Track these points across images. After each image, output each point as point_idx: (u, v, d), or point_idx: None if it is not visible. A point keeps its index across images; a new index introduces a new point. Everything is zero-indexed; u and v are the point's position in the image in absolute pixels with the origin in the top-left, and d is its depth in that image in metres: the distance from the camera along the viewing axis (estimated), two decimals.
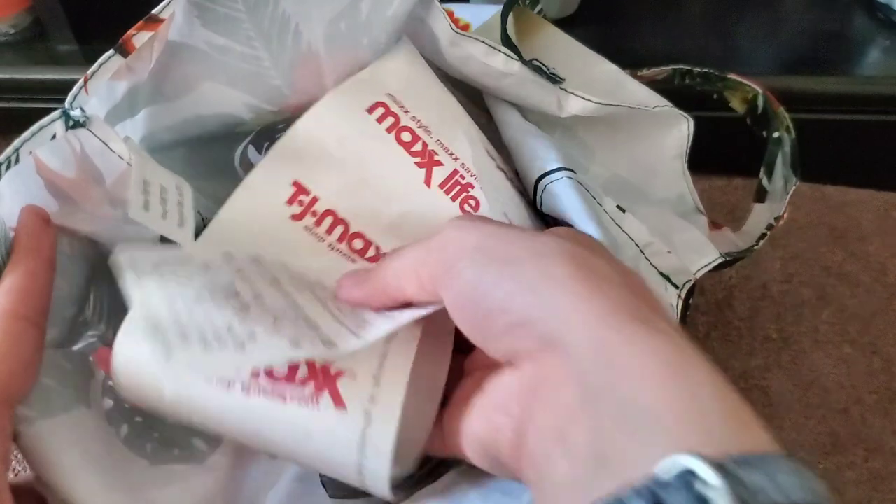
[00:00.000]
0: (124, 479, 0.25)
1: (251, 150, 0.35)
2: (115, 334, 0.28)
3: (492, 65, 0.35)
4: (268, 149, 0.36)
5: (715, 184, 0.57)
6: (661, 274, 0.32)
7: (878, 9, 0.59)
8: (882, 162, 0.58)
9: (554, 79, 0.35)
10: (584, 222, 0.31)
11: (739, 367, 0.47)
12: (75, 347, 0.27)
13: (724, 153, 0.53)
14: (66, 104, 0.27)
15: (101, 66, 0.28)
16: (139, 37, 0.29)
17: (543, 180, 0.33)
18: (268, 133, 0.35)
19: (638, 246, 0.32)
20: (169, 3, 0.29)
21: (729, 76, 0.39)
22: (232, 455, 0.29)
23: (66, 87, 0.57)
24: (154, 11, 0.29)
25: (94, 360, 0.28)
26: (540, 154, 0.35)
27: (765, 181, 0.38)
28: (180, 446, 0.28)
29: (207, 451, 0.28)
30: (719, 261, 0.34)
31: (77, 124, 0.25)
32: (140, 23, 0.29)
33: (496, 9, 0.38)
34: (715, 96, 0.40)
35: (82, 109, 0.26)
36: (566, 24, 0.58)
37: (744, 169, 0.56)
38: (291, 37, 0.32)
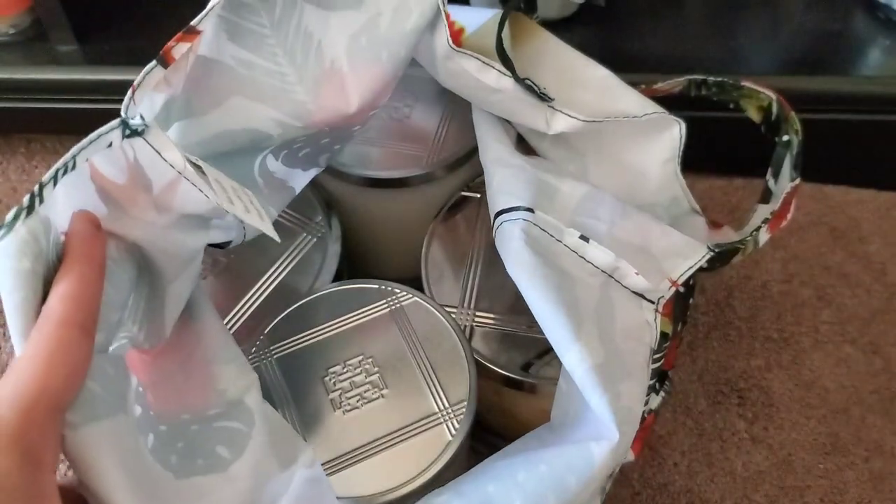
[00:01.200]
0: (154, 492, 0.25)
1: (270, 159, 0.36)
2: (145, 337, 0.29)
3: (484, 81, 0.35)
4: (286, 157, 0.36)
5: (715, 184, 0.57)
6: (634, 293, 0.32)
7: (879, 9, 0.59)
8: (882, 162, 0.58)
9: (544, 97, 0.36)
10: (515, 271, 0.31)
11: (739, 367, 0.47)
12: (110, 349, 0.27)
13: (724, 153, 0.53)
14: (123, 113, 0.27)
15: (145, 76, 0.28)
16: (178, 48, 0.29)
17: (501, 217, 0.34)
18: (286, 143, 0.35)
19: (605, 272, 0.33)
20: (206, 14, 0.29)
21: (743, 84, 0.39)
22: (253, 463, 0.29)
23: (66, 87, 0.58)
24: (192, 23, 0.29)
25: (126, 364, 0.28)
26: (506, 188, 0.35)
27: (771, 183, 0.38)
28: (204, 455, 0.28)
29: (230, 459, 0.28)
30: (708, 255, 0.33)
31: (134, 133, 0.25)
32: (179, 34, 0.29)
33: (491, 13, 0.38)
34: (731, 106, 0.40)
35: (142, 117, 0.26)
36: (566, 24, 0.58)
37: (744, 169, 0.56)
38: (314, 53, 0.33)
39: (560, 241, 0.33)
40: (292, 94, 0.33)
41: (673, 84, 0.41)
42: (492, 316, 0.38)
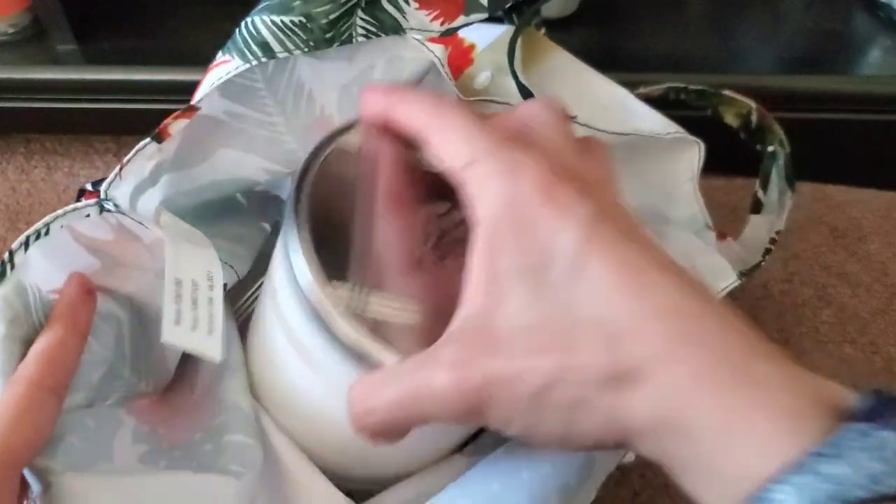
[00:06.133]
0: None
1: None
2: (148, 384, 0.29)
3: None
4: None
5: (715, 184, 0.57)
6: None
7: (879, 9, 0.59)
8: (883, 161, 0.58)
9: None
10: None
11: None
12: (107, 403, 0.28)
13: (724, 153, 0.53)
14: (102, 193, 0.27)
15: (137, 153, 0.28)
16: (175, 125, 0.29)
17: None
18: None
19: None
20: (207, 95, 0.29)
21: (723, 92, 0.39)
22: (258, 478, 0.30)
23: (66, 86, 0.57)
24: (193, 102, 0.29)
25: (125, 411, 0.28)
26: None
27: (760, 193, 0.38)
28: (218, 469, 0.29)
29: (243, 472, 0.29)
30: (736, 282, 0.35)
31: (111, 212, 0.26)
32: (178, 112, 0.29)
33: (501, 29, 0.38)
34: (709, 111, 0.40)
35: (116, 205, 0.26)
36: (566, 24, 0.58)
37: (744, 169, 0.56)
38: (305, 101, 0.32)
39: None
40: (282, 142, 0.33)
41: (652, 90, 0.41)
42: None
